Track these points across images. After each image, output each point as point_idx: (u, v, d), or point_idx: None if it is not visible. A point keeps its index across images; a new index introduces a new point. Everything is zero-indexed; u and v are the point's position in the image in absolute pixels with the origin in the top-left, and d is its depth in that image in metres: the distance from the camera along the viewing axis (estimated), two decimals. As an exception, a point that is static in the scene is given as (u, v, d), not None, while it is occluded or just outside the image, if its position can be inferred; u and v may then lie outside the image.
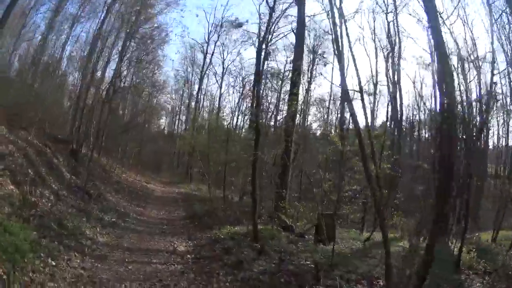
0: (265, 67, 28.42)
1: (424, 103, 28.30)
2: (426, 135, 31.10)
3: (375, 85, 27.69)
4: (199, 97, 40.45)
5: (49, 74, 23.11)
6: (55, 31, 23.43)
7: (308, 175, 13.38)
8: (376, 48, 27.60)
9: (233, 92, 38.09)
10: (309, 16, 20.78)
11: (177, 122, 50.01)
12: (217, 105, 37.30)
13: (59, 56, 24.23)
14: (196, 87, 41.28)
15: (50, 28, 22.79)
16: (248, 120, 30.32)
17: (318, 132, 31.14)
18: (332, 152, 13.45)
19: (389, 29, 26.19)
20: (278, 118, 26.16)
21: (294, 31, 18.94)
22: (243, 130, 32.31)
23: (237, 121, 35.42)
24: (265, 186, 15.62)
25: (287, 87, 24.53)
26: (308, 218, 12.70)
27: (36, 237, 7.11)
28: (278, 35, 30.58)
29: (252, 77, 31.22)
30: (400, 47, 26.26)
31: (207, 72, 39.31)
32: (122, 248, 9.32)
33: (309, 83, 29.75)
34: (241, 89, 33.52)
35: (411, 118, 34.12)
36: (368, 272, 7.73)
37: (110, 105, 24.24)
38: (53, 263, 6.50)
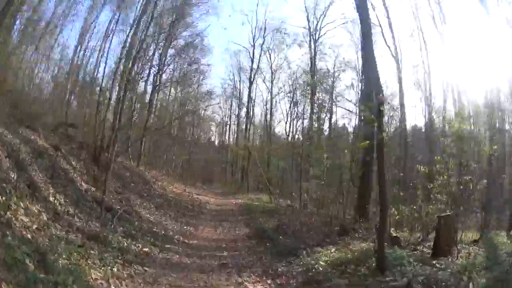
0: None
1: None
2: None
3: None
4: (249, 104, 36.91)
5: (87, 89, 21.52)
6: (88, 47, 22.61)
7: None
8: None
9: (283, 98, 33.83)
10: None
11: (227, 132, 46.92)
12: (269, 111, 34.12)
13: (94, 70, 22.62)
14: (245, 94, 38.04)
15: (81, 45, 22.09)
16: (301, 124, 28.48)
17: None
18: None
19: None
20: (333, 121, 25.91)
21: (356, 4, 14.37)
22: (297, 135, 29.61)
23: (290, 126, 31.44)
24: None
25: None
26: (424, 224, 9.46)
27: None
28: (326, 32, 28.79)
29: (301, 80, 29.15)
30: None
31: (255, 78, 35.98)
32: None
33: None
34: (291, 93, 30.38)
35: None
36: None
37: (150, 107, 21.22)
38: None
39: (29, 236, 5.50)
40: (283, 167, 21.73)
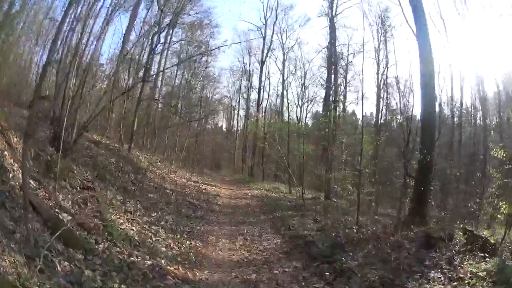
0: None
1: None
2: None
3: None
4: (261, 85, 34.13)
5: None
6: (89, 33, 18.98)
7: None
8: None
9: (294, 80, 33.68)
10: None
11: (236, 117, 43.69)
12: (281, 93, 31.40)
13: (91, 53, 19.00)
14: (255, 77, 35.84)
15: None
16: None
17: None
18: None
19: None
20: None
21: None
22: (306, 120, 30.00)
23: (300, 111, 29.89)
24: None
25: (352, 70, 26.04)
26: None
27: None
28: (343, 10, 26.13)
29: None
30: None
31: (267, 58, 33.52)
32: None
33: (379, 65, 25.10)
34: (303, 77, 29.37)
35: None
36: None
37: (144, 83, 17.60)
38: None
39: None
40: (306, 153, 18.03)
